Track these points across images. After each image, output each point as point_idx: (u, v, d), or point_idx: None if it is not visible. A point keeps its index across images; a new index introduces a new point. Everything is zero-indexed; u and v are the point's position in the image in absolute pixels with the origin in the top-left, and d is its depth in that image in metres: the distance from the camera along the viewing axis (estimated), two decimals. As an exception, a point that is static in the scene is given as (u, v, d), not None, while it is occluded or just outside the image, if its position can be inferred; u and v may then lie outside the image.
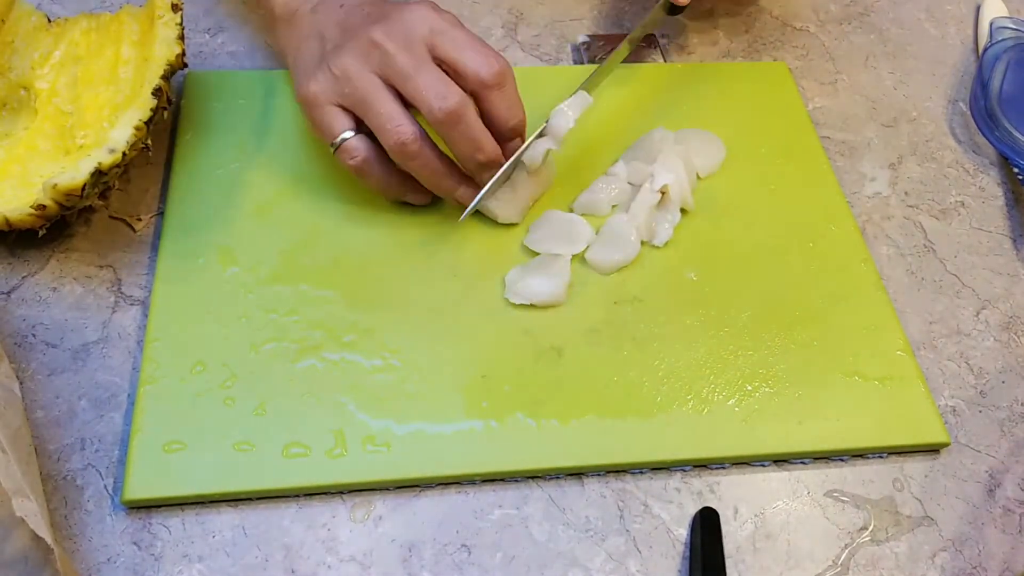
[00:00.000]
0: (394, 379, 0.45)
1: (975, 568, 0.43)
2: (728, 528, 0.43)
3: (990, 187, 0.59)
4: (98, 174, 0.44)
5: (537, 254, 0.50)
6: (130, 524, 0.41)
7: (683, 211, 0.52)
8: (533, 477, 0.44)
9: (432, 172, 0.47)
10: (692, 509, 0.44)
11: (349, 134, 0.46)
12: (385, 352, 0.46)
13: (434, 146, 0.47)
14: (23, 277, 0.48)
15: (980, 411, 0.49)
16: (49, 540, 0.36)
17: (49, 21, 0.53)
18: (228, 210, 0.50)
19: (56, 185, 0.43)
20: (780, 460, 0.45)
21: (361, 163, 0.47)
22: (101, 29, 0.53)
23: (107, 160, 0.44)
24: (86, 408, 0.44)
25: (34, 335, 0.46)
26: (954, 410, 0.49)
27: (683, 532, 0.43)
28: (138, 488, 0.41)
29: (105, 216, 0.50)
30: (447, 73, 0.45)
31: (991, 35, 0.64)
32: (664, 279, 0.50)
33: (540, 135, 0.49)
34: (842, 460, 0.46)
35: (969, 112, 0.62)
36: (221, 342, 0.45)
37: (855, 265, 0.52)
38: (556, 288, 0.48)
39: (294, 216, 0.50)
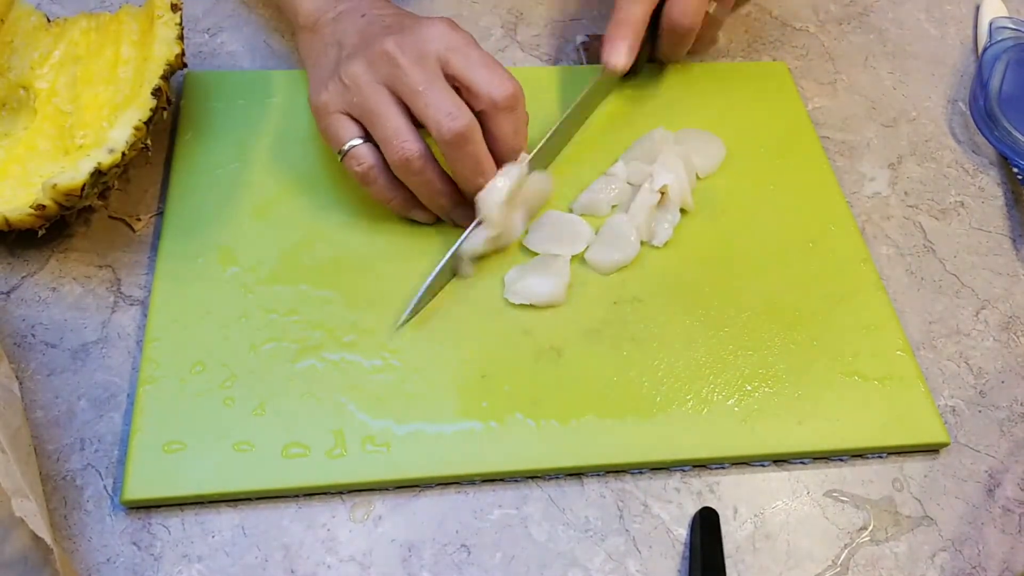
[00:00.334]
0: (394, 379, 0.45)
1: (975, 568, 0.43)
2: (728, 528, 0.43)
3: (990, 187, 0.59)
4: (97, 174, 0.44)
5: (536, 254, 0.50)
6: (130, 524, 0.41)
7: (683, 211, 0.52)
8: (533, 477, 0.44)
9: (432, 191, 0.47)
10: (692, 509, 0.44)
11: (357, 142, 0.46)
12: (385, 352, 0.46)
13: (437, 165, 0.47)
14: (23, 277, 0.48)
15: (980, 411, 0.49)
16: (49, 540, 0.36)
17: (48, 21, 0.53)
18: (228, 210, 0.50)
19: (56, 185, 0.43)
20: (780, 460, 0.45)
21: (367, 171, 0.47)
22: (100, 29, 0.53)
23: (106, 160, 0.44)
24: (85, 408, 0.44)
25: (33, 335, 0.46)
26: (954, 410, 0.49)
27: (683, 532, 0.43)
28: (138, 488, 0.41)
29: (105, 216, 0.50)
30: (458, 92, 0.45)
31: (991, 35, 0.64)
32: (664, 279, 0.50)
33: (477, 223, 0.48)
34: (842, 460, 0.46)
35: (969, 112, 0.62)
36: (221, 342, 0.45)
37: (855, 265, 0.52)
38: (556, 288, 0.48)
39: (294, 216, 0.50)
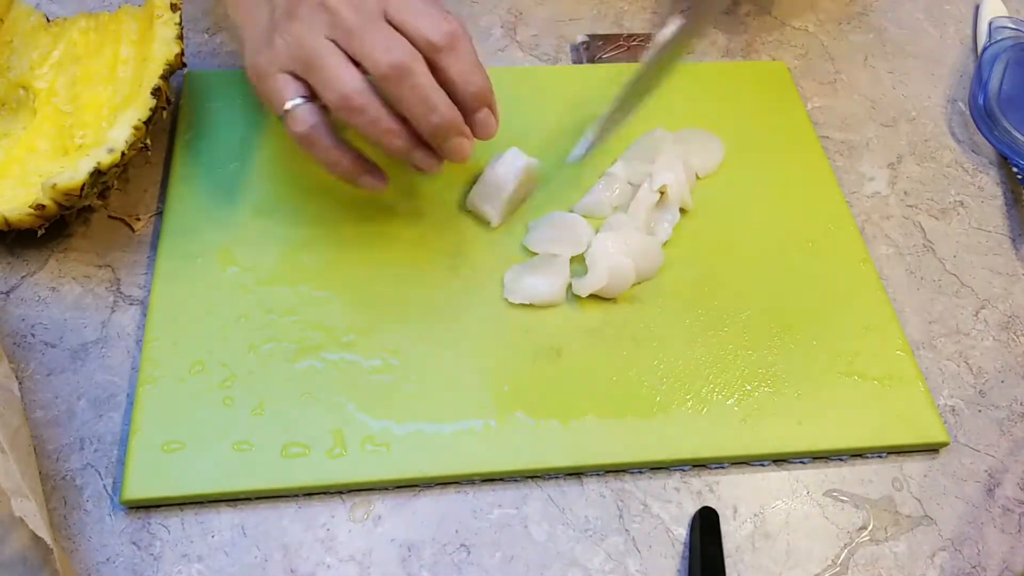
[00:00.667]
0: (393, 379, 0.45)
1: (974, 568, 0.43)
2: (727, 528, 0.43)
3: (989, 187, 0.59)
4: (97, 174, 0.44)
5: (536, 254, 0.50)
6: (129, 524, 0.41)
7: (682, 211, 0.52)
8: (532, 477, 0.44)
9: (381, 130, 0.43)
10: (691, 509, 0.44)
11: (299, 100, 0.43)
12: (384, 352, 0.46)
13: (383, 103, 0.43)
14: (22, 277, 0.48)
15: (979, 411, 0.49)
16: (48, 540, 0.36)
17: (48, 21, 0.53)
18: (227, 210, 0.50)
19: (55, 185, 0.43)
20: (779, 460, 0.45)
21: (309, 131, 0.43)
22: (100, 29, 0.53)
23: (106, 160, 0.44)
24: (85, 408, 0.44)
25: (33, 335, 0.46)
26: (953, 410, 0.49)
27: (682, 532, 0.43)
28: (137, 488, 0.40)
29: (104, 216, 0.50)
30: None
31: (990, 35, 0.64)
32: (663, 279, 0.50)
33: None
34: (841, 460, 0.46)
35: (968, 112, 0.62)
36: (220, 342, 0.45)
37: (854, 265, 0.52)
38: (555, 288, 0.48)
39: (293, 216, 0.50)
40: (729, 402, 0.46)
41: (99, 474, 0.42)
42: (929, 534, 0.44)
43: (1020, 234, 0.56)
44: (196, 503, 0.41)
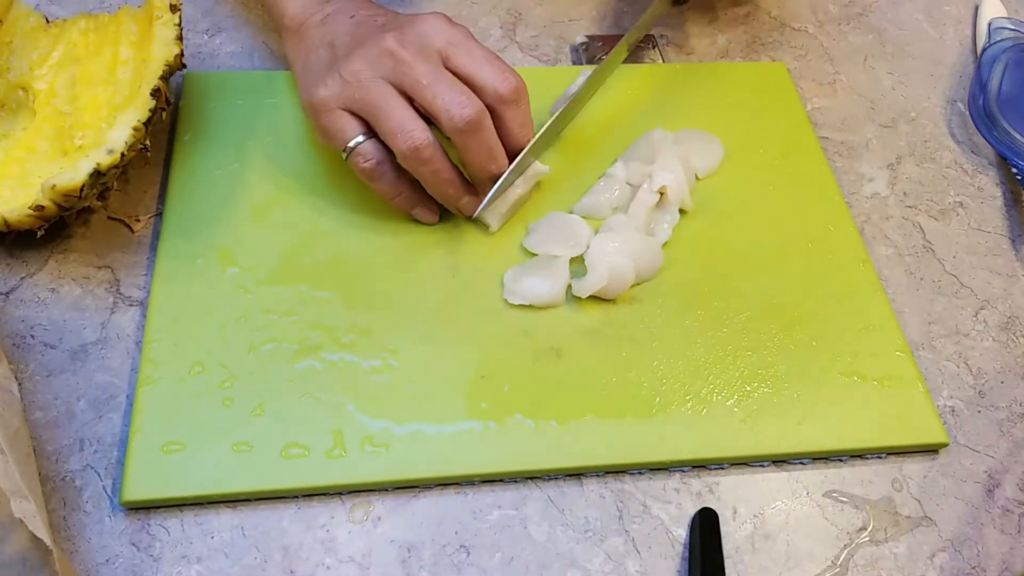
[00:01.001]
0: (393, 380, 0.45)
1: (974, 568, 0.43)
2: (727, 528, 0.43)
3: (989, 187, 0.59)
4: (96, 175, 0.44)
5: (536, 255, 0.50)
6: (129, 525, 0.41)
7: (682, 211, 0.52)
8: (532, 478, 0.44)
9: (440, 180, 0.47)
10: (691, 509, 0.44)
11: (361, 138, 0.46)
12: (384, 353, 0.46)
13: (445, 154, 0.46)
14: (22, 278, 0.48)
15: (979, 411, 0.49)
16: (48, 541, 0.36)
17: (47, 21, 0.53)
18: (227, 211, 0.50)
19: (55, 186, 0.43)
20: (779, 460, 0.45)
21: (376, 166, 0.47)
22: (99, 30, 0.53)
23: (105, 161, 0.44)
24: (85, 409, 0.44)
25: (33, 336, 0.46)
26: (953, 410, 0.49)
27: (682, 532, 0.43)
28: (137, 489, 0.40)
29: (104, 217, 0.50)
30: None
31: (989, 35, 0.64)
32: (663, 279, 0.50)
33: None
34: (841, 460, 0.46)
35: (968, 112, 0.62)
36: (220, 343, 0.45)
37: (854, 265, 0.52)
38: (555, 289, 0.48)
39: (293, 217, 0.50)
40: (729, 403, 0.46)
41: (99, 475, 0.42)
42: (929, 535, 0.44)
43: (1020, 235, 0.56)
44: (196, 504, 0.41)
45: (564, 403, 0.45)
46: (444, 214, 0.51)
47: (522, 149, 0.48)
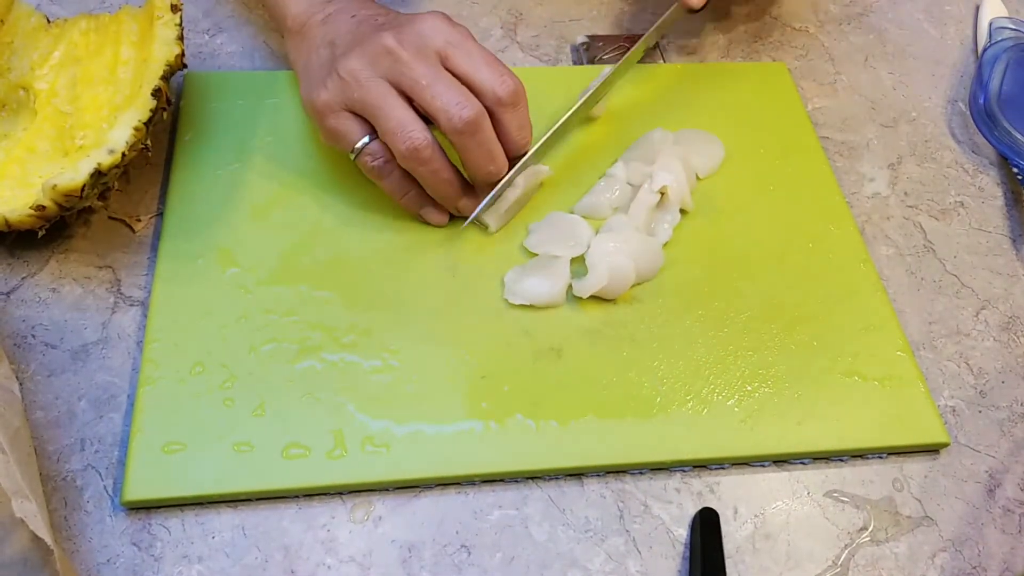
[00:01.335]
0: (393, 380, 0.45)
1: (975, 568, 0.43)
2: (728, 528, 0.43)
3: (989, 187, 0.59)
4: (97, 175, 0.44)
5: (536, 255, 0.50)
6: (130, 525, 0.41)
7: (682, 212, 0.52)
8: (533, 478, 0.44)
9: (439, 180, 0.47)
10: (692, 509, 0.44)
11: (367, 139, 0.46)
12: (384, 353, 0.46)
13: (444, 155, 0.47)
14: (22, 278, 0.48)
15: (980, 411, 0.49)
16: (49, 541, 0.36)
17: (48, 22, 0.53)
18: (227, 211, 0.50)
19: (55, 186, 0.43)
20: (780, 460, 0.45)
21: (383, 165, 0.47)
22: (100, 30, 0.53)
23: (106, 161, 0.44)
24: (86, 409, 0.44)
25: (33, 336, 0.46)
26: (954, 410, 0.49)
27: (683, 532, 0.43)
28: (138, 489, 0.41)
29: (104, 217, 0.50)
30: None
31: (990, 35, 0.64)
32: (663, 279, 0.50)
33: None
34: (842, 460, 0.46)
35: (968, 112, 0.62)
36: (220, 343, 0.45)
37: (854, 265, 0.52)
38: (555, 289, 0.48)
39: (293, 217, 0.50)
40: (729, 403, 0.46)
41: (99, 475, 0.42)
42: (930, 535, 0.44)
43: (1020, 235, 0.56)
44: (196, 504, 0.41)
45: (564, 403, 0.45)
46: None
47: (520, 151, 0.48)
